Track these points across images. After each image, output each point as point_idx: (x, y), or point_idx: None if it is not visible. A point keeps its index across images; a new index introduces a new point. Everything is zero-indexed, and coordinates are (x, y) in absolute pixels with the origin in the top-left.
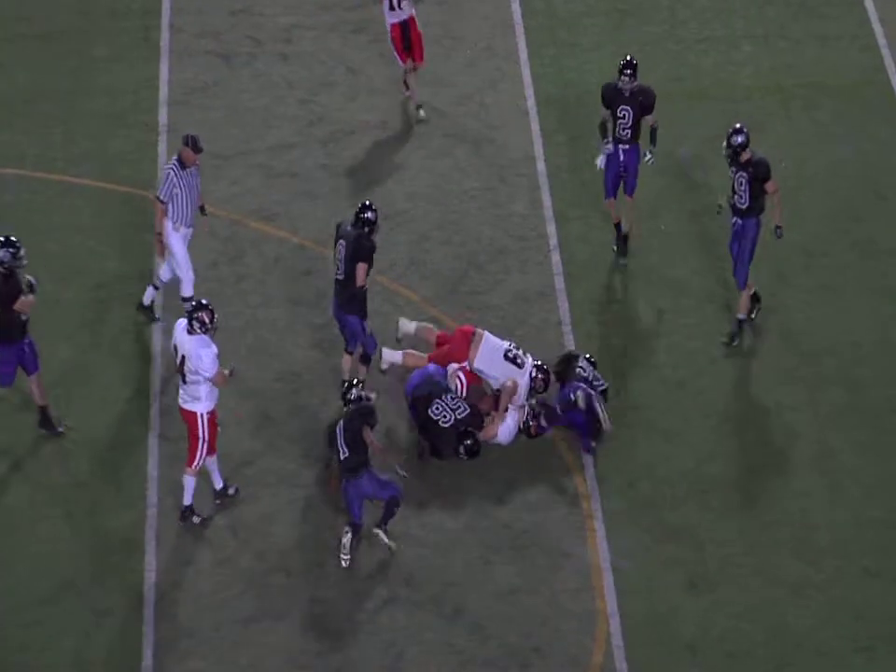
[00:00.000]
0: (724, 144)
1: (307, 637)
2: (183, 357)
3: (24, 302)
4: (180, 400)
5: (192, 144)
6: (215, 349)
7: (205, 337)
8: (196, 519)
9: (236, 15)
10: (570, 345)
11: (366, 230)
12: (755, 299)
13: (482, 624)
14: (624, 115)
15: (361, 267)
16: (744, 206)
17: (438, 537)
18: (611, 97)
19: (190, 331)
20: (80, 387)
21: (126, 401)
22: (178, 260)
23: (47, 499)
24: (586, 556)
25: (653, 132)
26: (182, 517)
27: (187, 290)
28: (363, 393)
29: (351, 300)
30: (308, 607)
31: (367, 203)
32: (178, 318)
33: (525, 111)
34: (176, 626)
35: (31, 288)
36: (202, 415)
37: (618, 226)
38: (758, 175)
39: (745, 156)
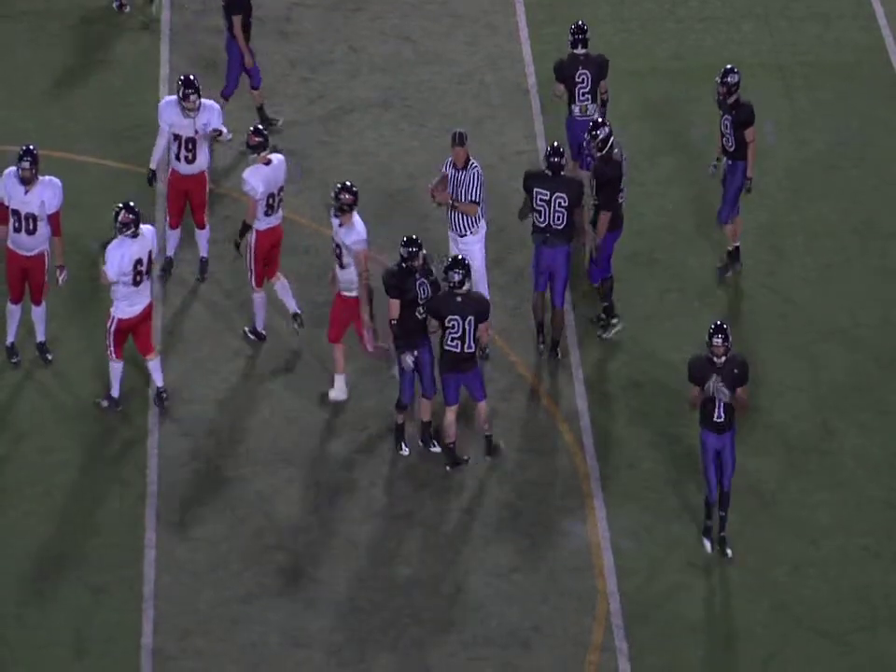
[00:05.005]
0: (718, 80)
1: (307, 615)
2: (150, 255)
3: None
4: (139, 308)
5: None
6: None
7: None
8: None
9: None
10: (570, 324)
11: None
12: (734, 257)
13: (482, 603)
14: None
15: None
16: (731, 149)
17: (438, 516)
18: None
19: (136, 235)
20: (78, 364)
21: (125, 379)
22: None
23: (46, 476)
24: (586, 535)
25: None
26: None
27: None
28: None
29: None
30: (307, 585)
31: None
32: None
33: (525, 90)
34: (176, 604)
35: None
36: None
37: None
38: (739, 119)
39: (732, 98)
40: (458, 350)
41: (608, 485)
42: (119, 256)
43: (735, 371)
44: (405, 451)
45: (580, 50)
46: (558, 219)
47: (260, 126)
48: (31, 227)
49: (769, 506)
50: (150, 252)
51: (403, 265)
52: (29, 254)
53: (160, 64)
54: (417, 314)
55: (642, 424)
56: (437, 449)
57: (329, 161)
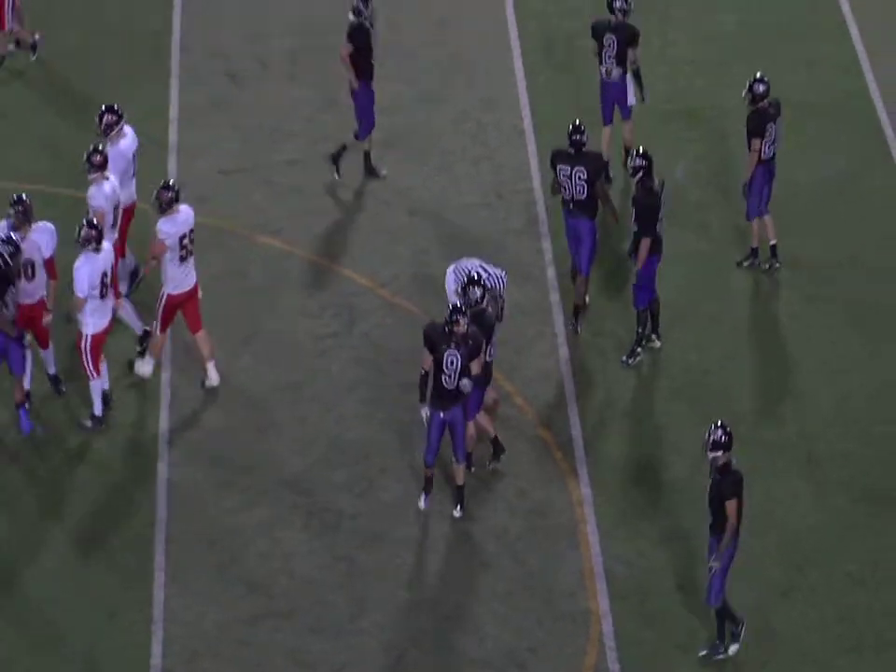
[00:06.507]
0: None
1: (311, 637)
2: (113, 268)
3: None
4: (107, 320)
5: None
6: None
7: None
8: None
9: (244, 37)
10: (564, 355)
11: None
12: (773, 253)
13: (479, 625)
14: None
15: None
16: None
17: (436, 541)
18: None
19: (98, 250)
20: (85, 388)
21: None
22: None
23: (56, 500)
24: (580, 560)
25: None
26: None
27: None
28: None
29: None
30: (311, 608)
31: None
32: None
33: (521, 130)
34: (184, 626)
35: None
36: None
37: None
38: (747, 127)
39: (754, 105)
40: (492, 359)
41: (601, 511)
42: (89, 271)
43: (720, 480)
44: (423, 505)
45: (616, 15)
46: (580, 191)
47: (99, 146)
48: (30, 273)
49: (756, 533)
50: (113, 265)
51: (445, 328)
52: (31, 301)
53: (169, 106)
54: (444, 381)
55: (635, 452)
56: (459, 514)
57: (332, 199)
